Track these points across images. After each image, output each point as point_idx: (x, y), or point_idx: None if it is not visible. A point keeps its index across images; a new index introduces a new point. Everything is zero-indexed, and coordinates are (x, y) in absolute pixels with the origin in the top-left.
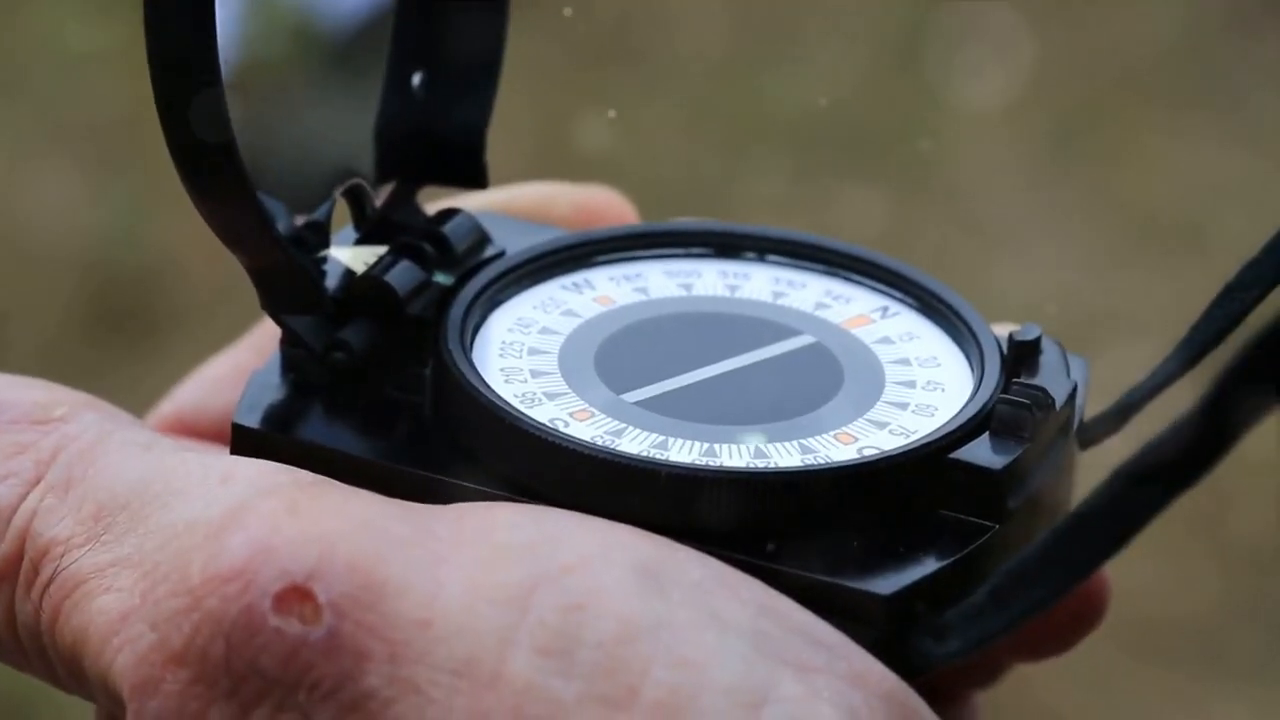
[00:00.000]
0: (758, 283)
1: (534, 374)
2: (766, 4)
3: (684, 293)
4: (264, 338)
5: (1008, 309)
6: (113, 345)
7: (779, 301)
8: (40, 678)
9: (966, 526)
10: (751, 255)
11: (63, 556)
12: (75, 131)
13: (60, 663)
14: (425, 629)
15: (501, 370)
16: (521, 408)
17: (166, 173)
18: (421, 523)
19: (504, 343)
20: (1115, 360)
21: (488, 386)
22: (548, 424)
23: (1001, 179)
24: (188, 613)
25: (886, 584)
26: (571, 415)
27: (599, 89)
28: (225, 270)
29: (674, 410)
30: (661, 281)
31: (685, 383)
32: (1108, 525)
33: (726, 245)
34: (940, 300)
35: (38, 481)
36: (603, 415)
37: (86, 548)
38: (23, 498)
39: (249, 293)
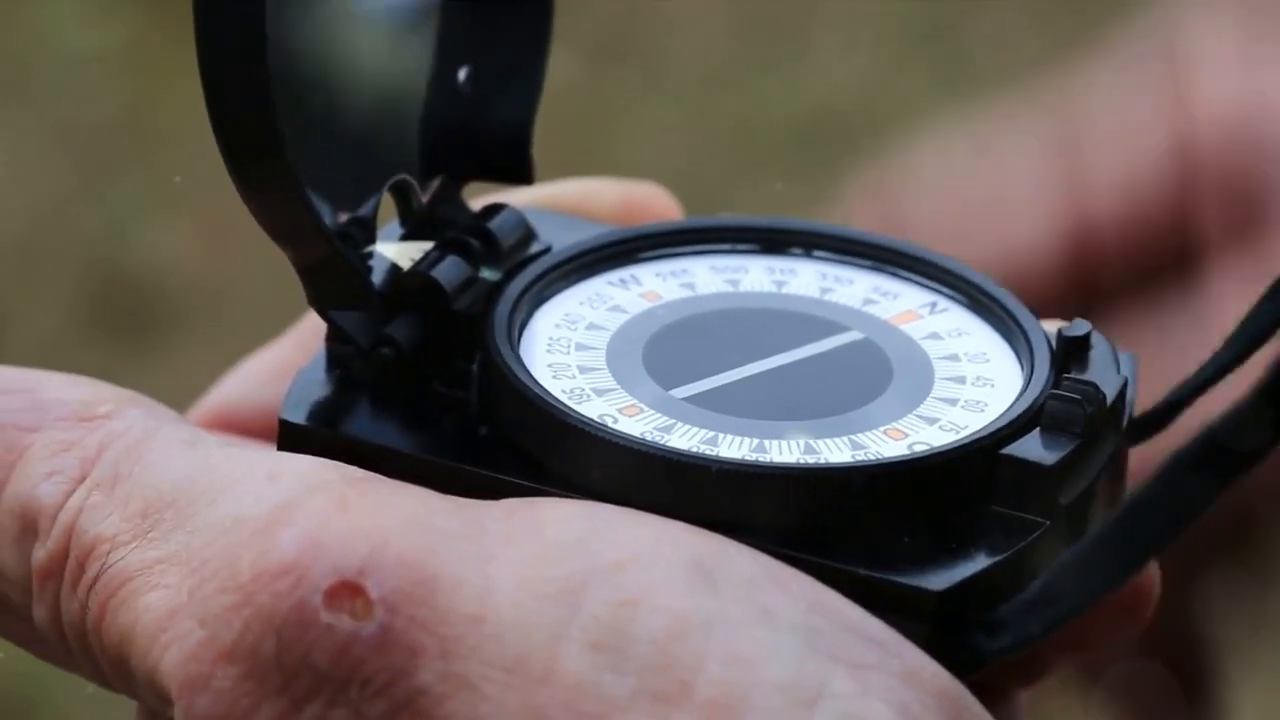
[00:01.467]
0: (805, 279)
1: (582, 370)
2: (767, 4)
3: (731, 289)
4: (307, 333)
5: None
6: (113, 345)
7: (826, 297)
8: (85, 676)
9: (1018, 522)
10: (798, 251)
11: (109, 554)
12: (75, 131)
13: (106, 661)
14: (477, 624)
15: (549, 366)
16: (570, 403)
17: (166, 173)
18: (472, 518)
19: (551, 339)
20: None
21: (536, 382)
22: (596, 419)
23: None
24: (238, 609)
25: (938, 580)
26: (620, 411)
27: (599, 89)
28: (225, 270)
29: (723, 406)
30: (708, 277)
31: (734, 378)
32: (1161, 514)
33: (773, 241)
34: (988, 295)
35: (83, 479)
36: (651, 411)
37: (133, 545)
38: (68, 495)
39: (249, 293)
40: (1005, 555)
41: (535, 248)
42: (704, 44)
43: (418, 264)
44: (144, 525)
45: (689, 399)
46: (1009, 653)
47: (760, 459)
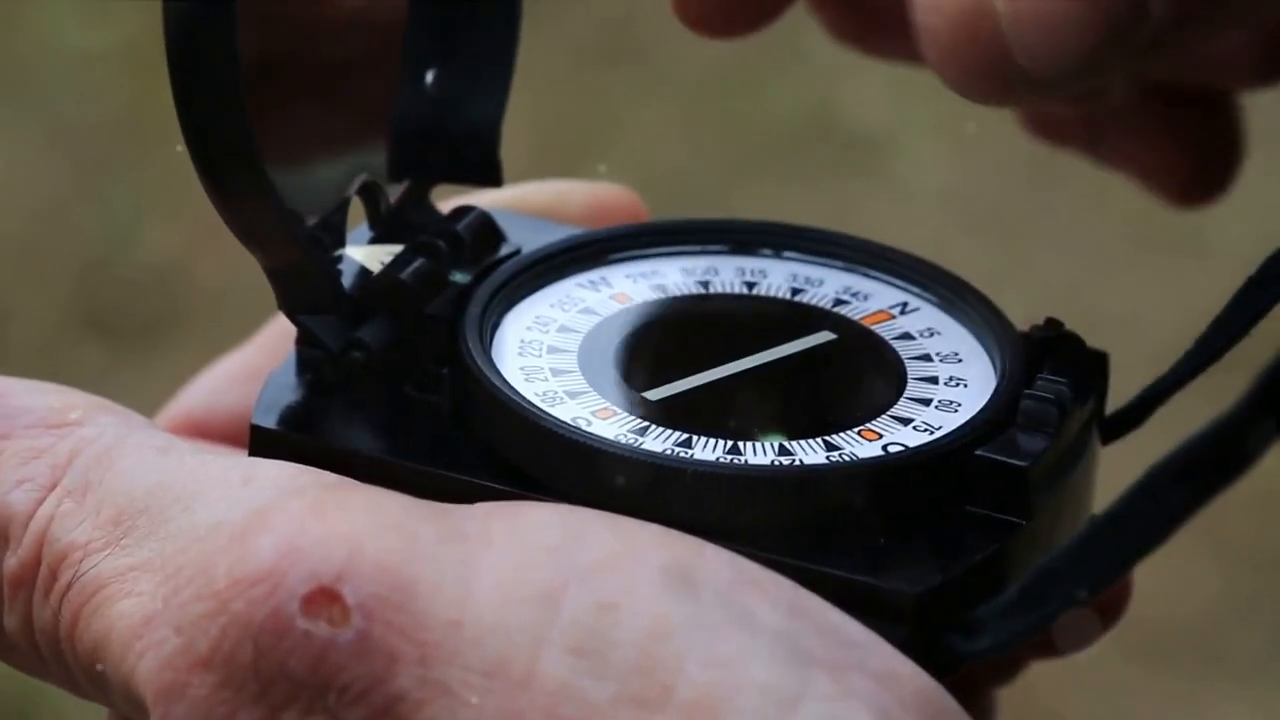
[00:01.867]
0: (776, 279)
1: (554, 372)
2: None
3: (701, 290)
4: (274, 337)
5: (1007, 310)
6: (113, 345)
7: (798, 298)
8: (57, 684)
9: (994, 523)
10: (768, 252)
11: (82, 561)
12: (75, 131)
13: (79, 669)
14: (456, 630)
15: (521, 369)
16: (543, 406)
17: (166, 173)
18: (449, 523)
19: (523, 341)
20: (1116, 364)
21: (509, 386)
22: (570, 422)
23: (1000, 180)
24: (214, 616)
25: (915, 581)
26: (594, 414)
27: (599, 89)
28: (225, 270)
29: (697, 408)
30: (679, 279)
31: (707, 380)
32: (1144, 523)
33: (743, 241)
34: (960, 294)
35: (54, 486)
36: (625, 414)
37: (106, 552)
38: (39, 503)
39: (249, 293)
40: (982, 556)
41: (505, 250)
42: (704, 44)
43: (387, 267)
44: (116, 532)
45: (663, 401)
46: (987, 654)
47: (735, 461)
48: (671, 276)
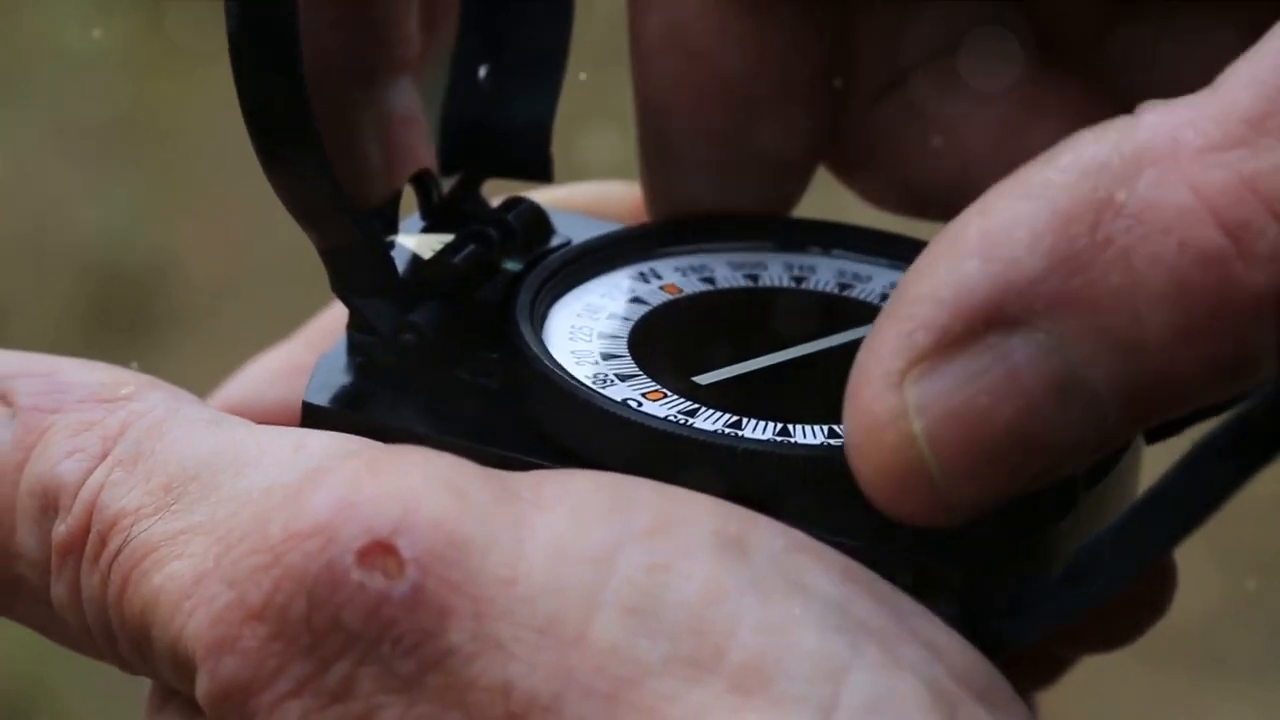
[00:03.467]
0: (823, 275)
1: (604, 356)
2: None
3: (750, 284)
4: (316, 334)
5: None
6: (113, 345)
7: (845, 294)
8: (101, 657)
9: (1040, 505)
10: (816, 249)
11: (132, 526)
12: (75, 131)
13: (125, 636)
14: (509, 587)
15: (572, 353)
16: (595, 388)
17: (166, 173)
18: (503, 484)
19: (573, 327)
20: None
21: (560, 366)
22: (621, 401)
23: None
24: (267, 569)
25: (962, 559)
26: (644, 395)
27: (599, 90)
28: (225, 270)
29: (747, 393)
30: (727, 273)
31: (756, 367)
32: (1188, 500)
33: (790, 238)
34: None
35: (105, 456)
36: (675, 396)
37: (156, 517)
38: (89, 472)
39: (249, 293)
40: (1028, 537)
41: (555, 241)
42: None
43: (440, 253)
44: (167, 498)
45: (713, 385)
46: (1033, 637)
47: (785, 440)
48: (720, 270)
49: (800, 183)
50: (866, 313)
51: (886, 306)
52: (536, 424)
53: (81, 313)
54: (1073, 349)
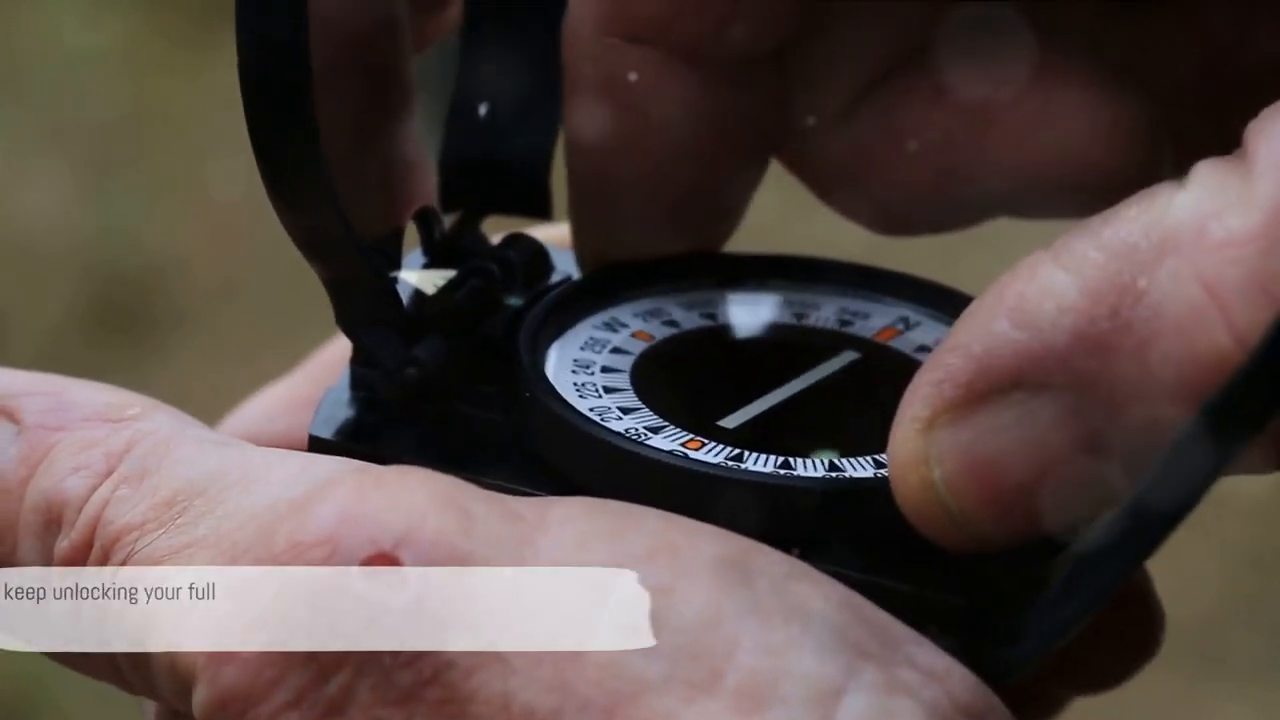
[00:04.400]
0: (772, 308)
1: (607, 390)
2: None
3: (751, 322)
4: (319, 367)
5: None
6: (113, 345)
7: (804, 323)
8: (99, 675)
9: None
10: (753, 283)
11: (136, 541)
12: (75, 131)
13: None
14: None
15: (575, 386)
16: (598, 421)
17: (166, 173)
18: (506, 506)
19: (575, 361)
20: None
21: (564, 401)
22: (625, 433)
23: None
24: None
25: (963, 592)
26: (647, 429)
27: None
28: (225, 270)
29: (749, 427)
30: (731, 310)
31: (763, 404)
32: (1173, 492)
33: (729, 275)
34: (954, 305)
35: (110, 473)
36: (678, 430)
37: (160, 532)
38: (94, 489)
39: (249, 293)
40: (1031, 567)
41: (555, 278)
42: None
43: (443, 288)
44: (171, 513)
45: (715, 421)
46: (1033, 657)
47: (787, 473)
48: (724, 309)
49: (732, 224)
50: (835, 340)
51: (933, 351)
52: (540, 458)
53: (81, 313)
54: (1094, 419)
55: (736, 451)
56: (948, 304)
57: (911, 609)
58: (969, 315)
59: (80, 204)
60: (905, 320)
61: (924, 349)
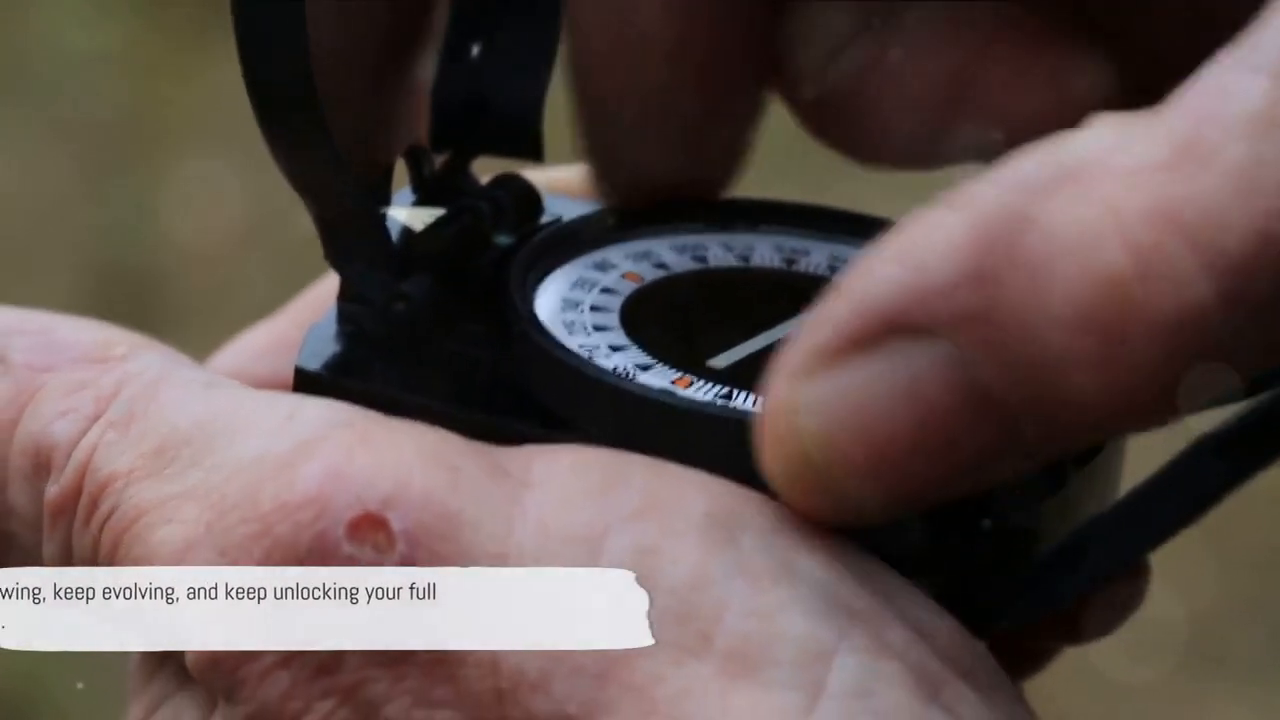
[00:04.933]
0: (764, 252)
1: (597, 328)
2: None
3: (742, 263)
4: (304, 310)
5: None
6: None
7: (794, 268)
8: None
9: (1031, 487)
10: (744, 226)
11: (124, 490)
12: (75, 131)
13: None
14: (499, 563)
15: (565, 324)
16: (588, 358)
17: (166, 173)
18: (493, 461)
19: (564, 299)
20: None
21: (553, 337)
22: (614, 370)
23: None
24: (257, 538)
25: (952, 537)
26: (637, 366)
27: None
28: (225, 270)
29: (739, 367)
30: (719, 252)
31: (753, 345)
32: (1182, 496)
33: (723, 218)
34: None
35: (98, 417)
36: (667, 367)
37: (148, 480)
38: (83, 433)
39: (249, 293)
40: (1019, 517)
41: (546, 219)
42: None
43: (431, 225)
44: (159, 462)
45: (706, 360)
46: (1023, 617)
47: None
48: (712, 250)
49: (737, 159)
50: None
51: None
52: (528, 394)
53: (81, 313)
54: (977, 364)
55: (726, 390)
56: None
57: (900, 554)
58: (858, 264)
59: (80, 203)
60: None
61: None
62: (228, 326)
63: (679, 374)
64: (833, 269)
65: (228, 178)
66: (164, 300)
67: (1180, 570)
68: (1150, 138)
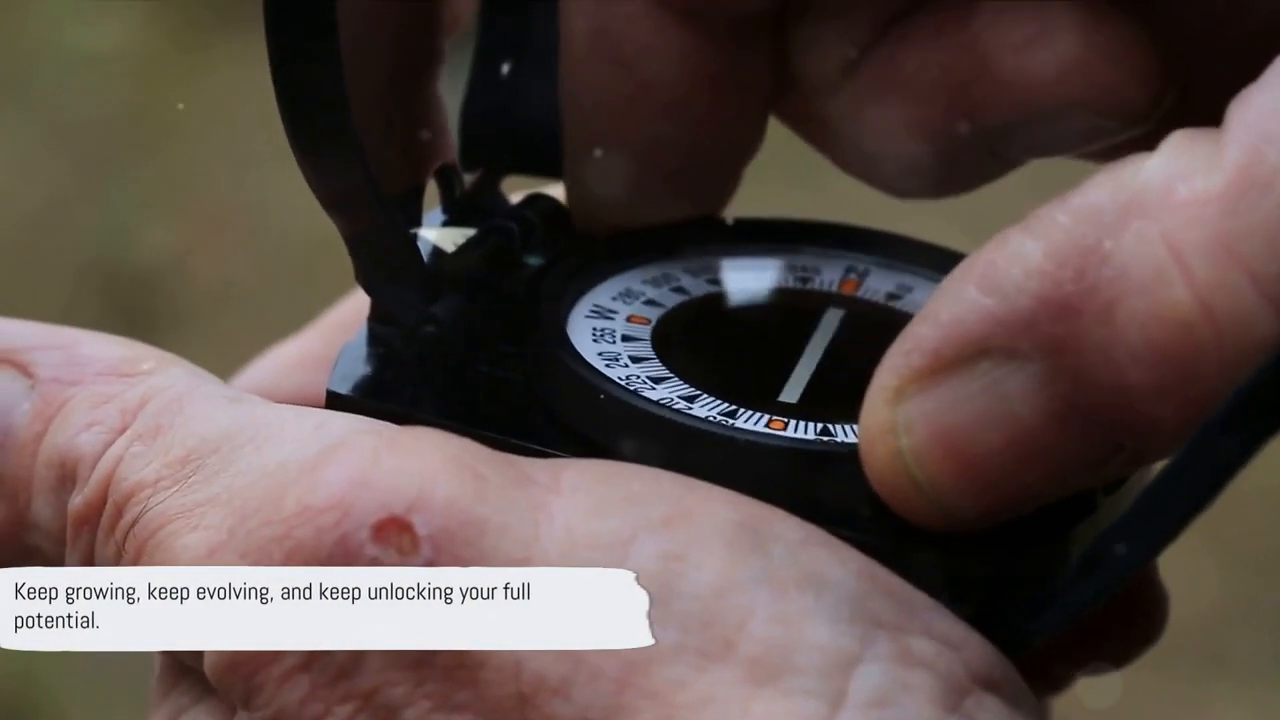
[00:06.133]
0: (734, 274)
1: (633, 360)
2: None
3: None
4: (332, 325)
5: None
6: None
7: (808, 287)
8: None
9: (1061, 509)
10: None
11: (149, 499)
12: (75, 131)
13: None
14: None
15: (600, 355)
16: (629, 388)
17: (166, 173)
18: (519, 469)
19: (595, 329)
20: None
21: (590, 366)
22: (660, 402)
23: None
24: (280, 541)
25: (982, 562)
26: (679, 397)
27: None
28: (225, 270)
29: (779, 394)
30: (740, 276)
31: (804, 372)
32: (1196, 479)
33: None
34: (895, 249)
35: (124, 430)
36: (709, 397)
37: (174, 489)
38: (108, 444)
39: (249, 293)
40: (1050, 539)
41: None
42: None
43: (462, 247)
44: (185, 471)
45: (742, 388)
46: (1050, 631)
47: (825, 439)
48: (730, 274)
49: (730, 184)
50: (810, 299)
51: (908, 324)
52: (556, 418)
53: (81, 313)
54: (1063, 385)
55: (768, 417)
56: (890, 249)
57: (931, 578)
58: (942, 286)
59: (80, 204)
60: (855, 270)
61: (894, 296)
62: (227, 327)
63: (722, 404)
64: (803, 280)
65: (227, 178)
66: (164, 300)
67: (1181, 571)
68: (1212, 165)
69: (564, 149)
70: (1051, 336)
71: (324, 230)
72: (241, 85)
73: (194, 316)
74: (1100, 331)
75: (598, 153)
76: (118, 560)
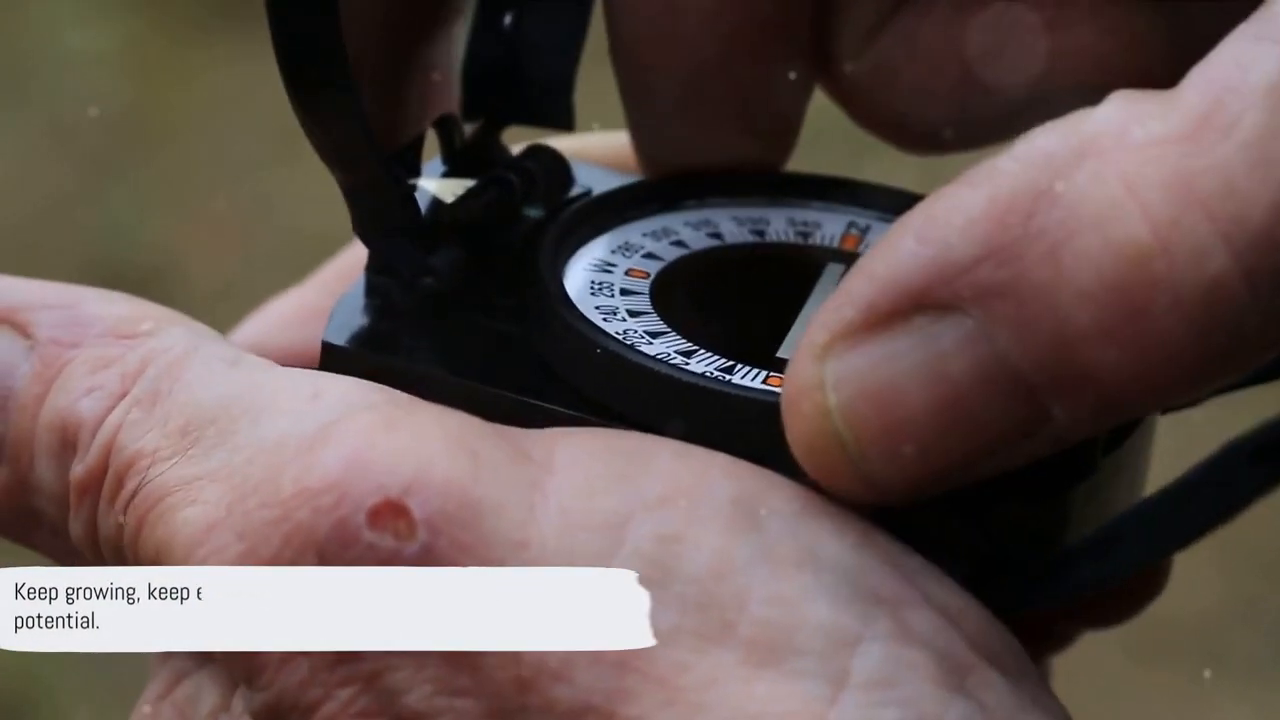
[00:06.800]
0: (727, 226)
1: (630, 314)
2: None
3: (756, 239)
4: (331, 278)
5: None
6: None
7: (766, 239)
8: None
9: (1060, 469)
10: (693, 202)
11: (149, 469)
12: (75, 131)
13: None
14: (521, 550)
15: (597, 308)
16: (626, 342)
17: (166, 173)
18: (515, 445)
19: (593, 283)
20: None
21: (587, 319)
22: (657, 357)
23: None
24: (277, 524)
25: (979, 520)
26: (676, 352)
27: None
28: (225, 270)
29: (777, 350)
30: (732, 228)
31: (790, 326)
32: (1215, 499)
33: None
34: (895, 202)
35: (124, 395)
36: (707, 352)
37: (173, 460)
38: (109, 410)
39: (248, 293)
40: (1048, 498)
41: (575, 191)
42: None
43: (461, 197)
44: (184, 442)
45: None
46: (1049, 603)
47: None
48: (725, 225)
49: (786, 131)
50: (813, 253)
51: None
52: (553, 370)
53: None
54: (1001, 339)
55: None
56: (891, 202)
57: (927, 537)
58: (880, 242)
59: (80, 203)
60: (857, 226)
61: None
62: (227, 326)
63: (721, 360)
64: (800, 235)
65: (227, 178)
66: (163, 300)
67: (1181, 570)
68: (1168, 111)
69: (619, 87)
70: (991, 283)
71: (324, 230)
72: (242, 85)
73: (194, 316)
74: (1044, 273)
75: (646, 90)
76: (120, 530)
